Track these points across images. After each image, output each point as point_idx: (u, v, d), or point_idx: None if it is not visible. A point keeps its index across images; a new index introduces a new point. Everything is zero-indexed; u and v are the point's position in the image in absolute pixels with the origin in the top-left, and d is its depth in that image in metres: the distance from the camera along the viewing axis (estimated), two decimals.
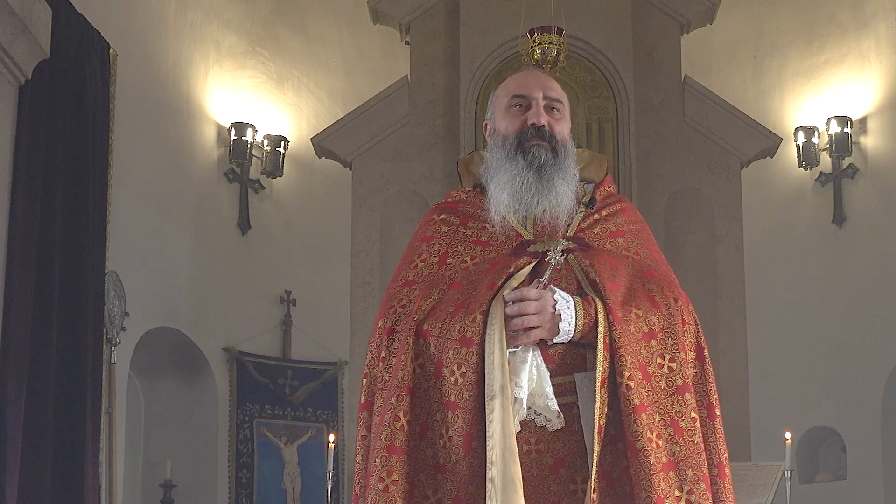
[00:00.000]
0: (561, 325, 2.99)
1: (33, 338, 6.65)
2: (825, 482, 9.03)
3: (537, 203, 3.15)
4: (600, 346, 2.97)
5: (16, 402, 6.44)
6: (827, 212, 9.27)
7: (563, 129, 3.23)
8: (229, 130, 9.41)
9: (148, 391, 9.07)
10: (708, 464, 3.01)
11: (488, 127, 3.33)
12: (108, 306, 7.74)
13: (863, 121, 9.23)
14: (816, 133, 9.34)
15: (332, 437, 7.08)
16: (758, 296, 8.87)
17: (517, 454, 2.90)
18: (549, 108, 3.23)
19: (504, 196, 3.16)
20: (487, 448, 2.90)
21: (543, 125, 3.19)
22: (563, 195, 3.16)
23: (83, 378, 7.08)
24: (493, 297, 3.02)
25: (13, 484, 6.34)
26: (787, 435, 6.73)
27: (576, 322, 3.00)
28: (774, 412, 8.71)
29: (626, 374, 2.94)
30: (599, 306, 3.01)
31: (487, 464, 2.89)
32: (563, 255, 3.11)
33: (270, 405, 9.27)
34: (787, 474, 6.62)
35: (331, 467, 7.02)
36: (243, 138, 9.39)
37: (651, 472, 2.89)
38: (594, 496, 2.90)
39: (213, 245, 9.17)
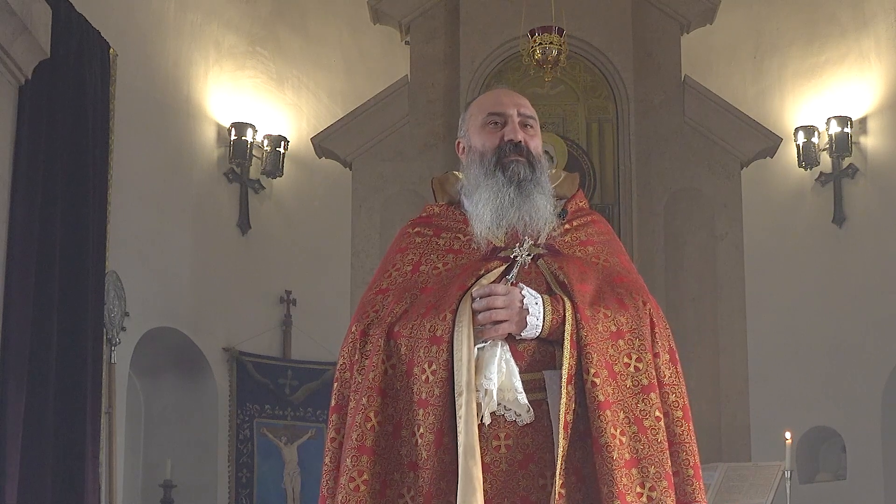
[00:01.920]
0: (529, 319, 3.04)
1: (33, 338, 6.65)
2: (825, 482, 9.02)
3: (518, 218, 3.20)
4: (567, 342, 3.01)
5: (16, 401, 6.44)
6: (827, 212, 9.26)
7: (537, 144, 3.31)
8: (229, 130, 9.40)
9: (148, 391, 9.07)
10: (685, 465, 3.07)
11: (461, 146, 3.39)
12: (108, 306, 7.74)
13: (863, 121, 9.22)
14: (816, 133, 9.33)
15: None
16: (758, 296, 8.86)
17: (478, 453, 2.95)
18: (523, 125, 3.29)
19: (487, 214, 3.21)
20: (458, 444, 2.95)
21: (520, 141, 3.25)
22: (542, 208, 3.22)
23: (83, 378, 7.08)
24: (462, 296, 3.08)
25: (13, 484, 6.34)
26: (787, 435, 6.73)
27: (544, 317, 3.05)
28: (774, 412, 8.70)
29: (592, 370, 2.98)
30: (568, 304, 3.06)
31: (459, 458, 2.94)
32: (529, 255, 3.17)
33: (270, 405, 9.27)
34: (787, 474, 6.62)
35: None
36: (243, 138, 9.38)
37: (613, 467, 2.93)
38: (561, 491, 2.95)
39: (213, 245, 9.16)
